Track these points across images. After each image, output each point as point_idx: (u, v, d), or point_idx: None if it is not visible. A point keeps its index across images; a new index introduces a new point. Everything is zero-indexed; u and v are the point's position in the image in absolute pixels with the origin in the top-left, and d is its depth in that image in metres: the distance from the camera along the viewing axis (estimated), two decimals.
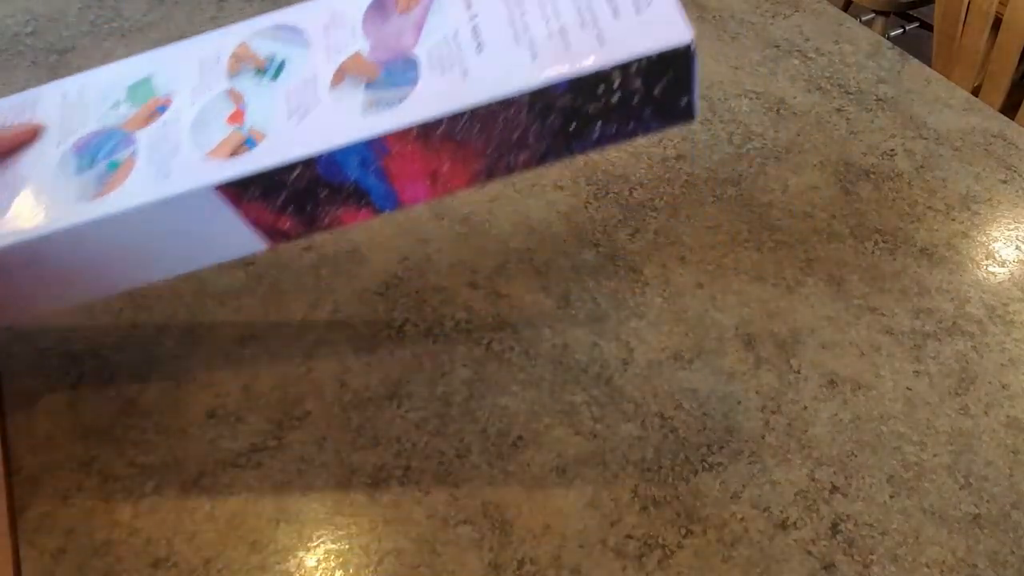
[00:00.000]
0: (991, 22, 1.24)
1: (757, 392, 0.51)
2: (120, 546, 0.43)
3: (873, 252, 0.59)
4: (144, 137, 0.39)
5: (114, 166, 0.38)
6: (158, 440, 0.47)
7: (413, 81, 0.37)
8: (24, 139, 0.40)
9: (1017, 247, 0.61)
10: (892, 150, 0.67)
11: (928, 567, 0.43)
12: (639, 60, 0.36)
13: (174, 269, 0.42)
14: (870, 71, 0.76)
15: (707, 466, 0.47)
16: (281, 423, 0.48)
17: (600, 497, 0.46)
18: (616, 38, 0.36)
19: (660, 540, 0.44)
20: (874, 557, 0.44)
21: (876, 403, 0.51)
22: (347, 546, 0.43)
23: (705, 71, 0.75)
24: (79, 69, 0.70)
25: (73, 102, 0.41)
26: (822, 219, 0.61)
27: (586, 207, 0.55)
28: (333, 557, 0.43)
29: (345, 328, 0.53)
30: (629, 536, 0.44)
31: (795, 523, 0.45)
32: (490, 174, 0.41)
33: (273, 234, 0.41)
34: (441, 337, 0.53)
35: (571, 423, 0.49)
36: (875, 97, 0.73)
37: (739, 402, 0.50)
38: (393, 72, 0.38)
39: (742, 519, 0.45)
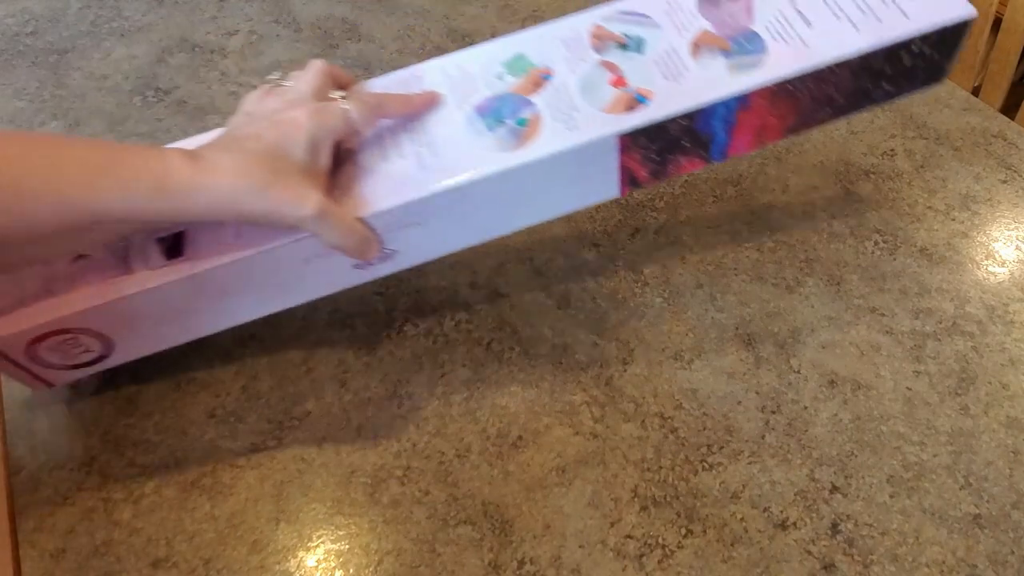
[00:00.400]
0: (991, 22, 1.24)
1: (757, 392, 0.51)
2: (120, 546, 0.43)
3: (873, 252, 0.59)
4: (540, 100, 0.45)
5: (523, 123, 0.44)
6: (158, 440, 0.47)
7: (762, 49, 0.45)
8: (430, 102, 0.46)
9: (1017, 247, 0.61)
10: (892, 150, 0.67)
11: (928, 567, 0.43)
12: (936, 30, 0.45)
13: (544, 215, 0.48)
14: None
15: (707, 466, 0.47)
16: (281, 423, 0.48)
17: (600, 497, 0.46)
18: (915, 13, 0.45)
19: (660, 540, 0.44)
20: (874, 557, 0.44)
21: (876, 403, 0.51)
22: (347, 546, 0.43)
23: None
24: (79, 69, 0.70)
25: (456, 76, 0.47)
26: (822, 219, 0.61)
27: (586, 207, 0.55)
28: (333, 557, 0.43)
29: (345, 328, 0.53)
30: (629, 536, 0.44)
31: (795, 523, 0.45)
32: (796, 128, 0.48)
33: (630, 181, 0.47)
34: (441, 337, 0.53)
35: (571, 423, 0.49)
36: None
37: (739, 402, 0.50)
38: (742, 43, 0.46)
39: (742, 519, 0.45)
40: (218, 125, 0.66)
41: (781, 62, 0.45)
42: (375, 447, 0.47)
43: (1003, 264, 0.59)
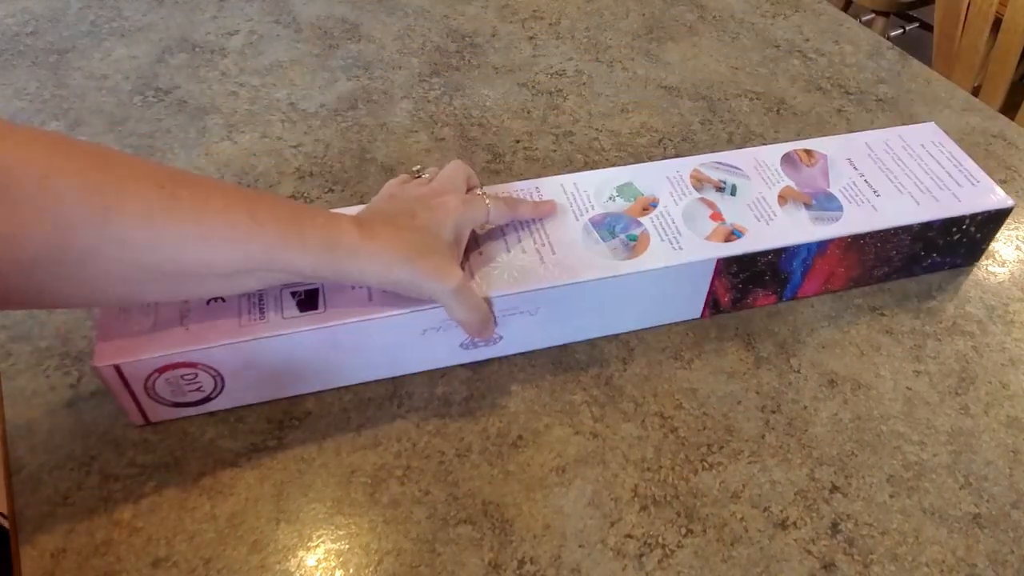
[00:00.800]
0: (991, 22, 1.24)
1: (757, 392, 0.51)
2: (120, 546, 0.43)
3: None
4: (647, 222, 0.51)
5: (633, 238, 0.50)
6: (158, 440, 0.47)
7: (839, 208, 0.53)
8: (553, 210, 0.52)
9: (1017, 247, 0.61)
10: None
11: (928, 567, 0.43)
12: (982, 212, 0.54)
13: (633, 325, 0.53)
14: (870, 71, 0.76)
15: (707, 466, 0.47)
16: (281, 423, 0.48)
17: (600, 497, 0.46)
18: (966, 198, 0.54)
19: (660, 540, 0.44)
20: (874, 557, 0.44)
21: (876, 403, 0.51)
22: (347, 546, 0.43)
23: (705, 71, 0.75)
24: (79, 69, 0.70)
25: (572, 193, 0.53)
26: None
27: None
28: (333, 557, 0.43)
29: None
30: (629, 536, 0.44)
31: (795, 523, 0.45)
32: (857, 281, 0.56)
33: (712, 304, 0.54)
34: None
35: (571, 423, 0.49)
36: (875, 97, 0.73)
37: (739, 402, 0.50)
38: (821, 201, 0.53)
39: (742, 519, 0.45)
40: (218, 125, 0.67)
41: (856, 220, 0.52)
42: (375, 447, 0.47)
43: (1003, 264, 0.59)
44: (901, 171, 0.56)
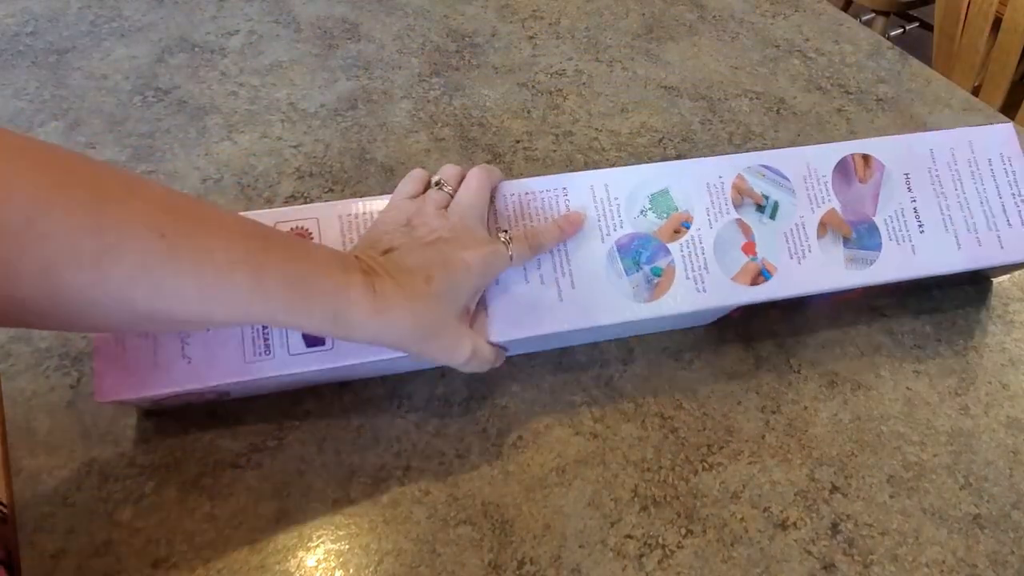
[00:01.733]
0: (991, 22, 1.24)
1: (757, 392, 0.51)
2: (120, 546, 0.43)
3: None
4: (676, 250, 0.48)
5: (658, 272, 0.47)
6: (158, 440, 0.47)
7: (878, 247, 0.49)
8: (578, 227, 0.48)
9: None
10: None
11: (928, 567, 0.43)
12: (1016, 263, 0.51)
13: (640, 333, 0.53)
14: (870, 71, 0.76)
15: (707, 466, 0.47)
16: (281, 423, 0.48)
17: (600, 497, 0.46)
18: (1009, 245, 0.50)
19: (660, 540, 0.44)
20: (874, 557, 0.44)
21: (876, 403, 0.50)
22: (347, 546, 0.43)
23: (705, 71, 0.75)
24: (79, 69, 0.70)
25: (603, 197, 0.49)
26: None
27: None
28: (333, 557, 0.43)
29: None
30: (629, 536, 0.44)
31: (795, 523, 0.45)
32: (868, 298, 0.55)
33: (722, 319, 0.52)
34: None
35: (571, 423, 0.49)
36: (875, 97, 0.73)
37: (739, 402, 0.50)
38: (862, 235, 0.50)
39: (742, 519, 0.45)
40: (218, 125, 0.67)
41: (890, 264, 0.49)
42: (375, 447, 0.47)
43: None
44: (955, 197, 0.51)
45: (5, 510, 0.44)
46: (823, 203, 0.50)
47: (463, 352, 0.42)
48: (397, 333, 0.40)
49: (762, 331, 0.54)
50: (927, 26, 2.00)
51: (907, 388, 0.51)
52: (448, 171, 0.48)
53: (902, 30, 2.09)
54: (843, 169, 0.51)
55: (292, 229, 0.46)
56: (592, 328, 0.47)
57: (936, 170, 0.52)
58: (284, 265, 0.37)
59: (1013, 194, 0.52)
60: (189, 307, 0.35)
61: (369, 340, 0.40)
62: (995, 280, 0.58)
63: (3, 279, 0.31)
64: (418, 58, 0.74)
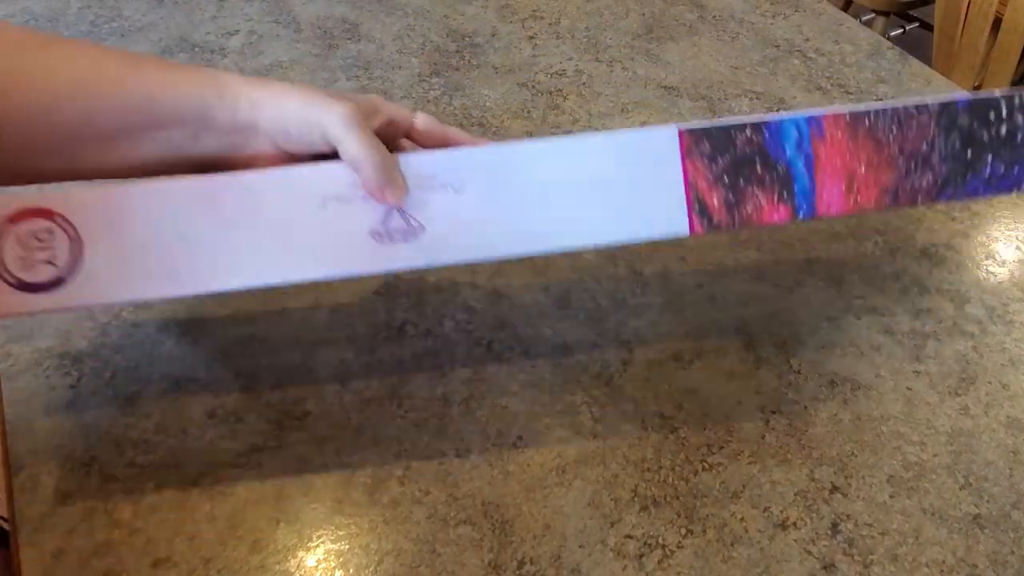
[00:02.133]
0: (991, 22, 1.24)
1: (757, 392, 0.51)
2: (120, 546, 0.43)
3: (873, 252, 0.59)
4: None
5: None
6: (158, 440, 0.47)
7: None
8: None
9: (1017, 247, 0.61)
10: None
11: (928, 567, 0.43)
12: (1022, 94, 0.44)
13: (598, 237, 0.43)
14: (870, 71, 0.76)
15: (707, 466, 0.47)
16: (281, 423, 0.48)
17: (600, 497, 0.46)
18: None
19: (660, 540, 0.44)
20: (874, 557, 0.44)
21: (876, 403, 0.51)
22: (347, 546, 0.43)
23: (705, 71, 0.75)
24: None
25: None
26: (822, 219, 0.61)
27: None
28: (333, 557, 0.43)
29: (345, 328, 0.53)
30: (629, 536, 0.44)
31: (795, 523, 0.45)
32: (896, 195, 0.45)
33: (700, 209, 0.43)
34: (441, 337, 0.53)
35: (571, 423, 0.49)
36: (875, 97, 0.73)
37: (739, 402, 0.50)
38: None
39: (742, 519, 0.45)
40: None
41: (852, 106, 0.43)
42: (375, 447, 0.47)
43: (1003, 264, 0.59)
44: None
45: (6, 525, 0.44)
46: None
47: (340, 107, 0.40)
48: (278, 86, 0.41)
49: (762, 331, 0.54)
50: (927, 26, 2.00)
51: (907, 388, 0.51)
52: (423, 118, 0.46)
53: (902, 30, 2.09)
54: None
55: None
56: (513, 170, 0.41)
57: None
58: (159, 59, 0.42)
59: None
60: (64, 104, 0.38)
61: (252, 100, 0.40)
62: (995, 280, 0.58)
63: None
64: (418, 58, 0.74)
